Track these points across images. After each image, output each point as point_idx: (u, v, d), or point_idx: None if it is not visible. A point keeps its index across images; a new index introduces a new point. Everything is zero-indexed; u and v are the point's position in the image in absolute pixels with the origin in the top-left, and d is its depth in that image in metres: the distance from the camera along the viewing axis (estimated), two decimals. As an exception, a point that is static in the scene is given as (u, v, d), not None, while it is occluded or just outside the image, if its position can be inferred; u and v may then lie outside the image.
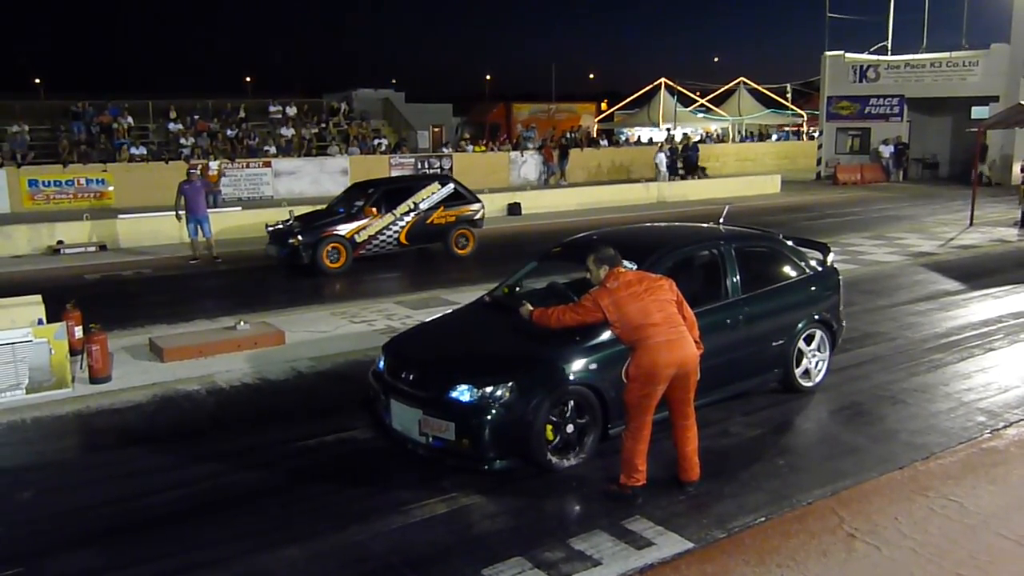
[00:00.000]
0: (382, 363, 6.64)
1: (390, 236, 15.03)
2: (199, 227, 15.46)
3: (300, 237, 14.12)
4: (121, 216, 18.50)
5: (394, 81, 51.89)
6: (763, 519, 5.27)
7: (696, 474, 5.65)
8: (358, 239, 14.59)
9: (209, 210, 16.09)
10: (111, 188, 24.56)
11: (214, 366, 8.73)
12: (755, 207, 24.19)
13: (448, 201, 15.78)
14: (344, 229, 14.49)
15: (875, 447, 6.42)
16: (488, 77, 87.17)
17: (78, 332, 8.76)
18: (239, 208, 20.89)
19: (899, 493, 5.63)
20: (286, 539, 5.15)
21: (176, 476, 6.15)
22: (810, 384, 7.58)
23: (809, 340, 7.53)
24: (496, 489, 5.70)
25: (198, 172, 16.48)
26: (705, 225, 8.12)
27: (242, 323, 9.66)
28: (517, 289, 7.50)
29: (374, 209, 14.79)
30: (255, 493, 5.87)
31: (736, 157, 39.41)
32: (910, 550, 4.87)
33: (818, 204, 25.33)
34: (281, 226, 14.93)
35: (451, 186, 16.11)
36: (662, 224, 9.88)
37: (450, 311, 7.89)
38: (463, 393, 5.81)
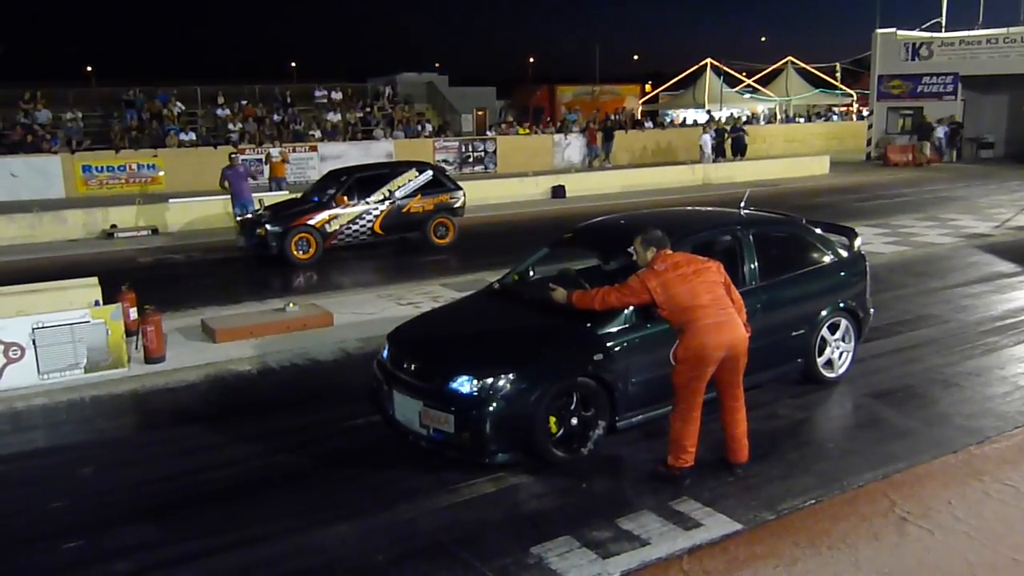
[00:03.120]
0: (386, 352, 6.47)
1: (363, 225, 14.55)
2: (244, 210, 15.72)
3: (267, 227, 13.83)
4: (172, 200, 18.86)
5: (437, 65, 52.16)
6: (813, 501, 5.23)
7: (745, 456, 5.63)
8: (329, 229, 14.15)
9: (271, 193, 16.26)
10: (162, 173, 25.04)
11: (264, 347, 8.88)
12: (803, 189, 23.85)
13: (426, 189, 15.22)
14: (314, 219, 14.08)
15: (928, 430, 6.31)
16: (531, 59, 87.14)
17: (133, 313, 8.97)
18: (286, 192, 21.12)
19: (953, 477, 5.53)
20: (337, 516, 5.24)
21: (228, 454, 6.29)
22: (833, 375, 7.25)
23: (833, 329, 7.20)
24: (543, 469, 5.72)
25: (239, 158, 16.71)
26: (724, 210, 7.81)
27: (291, 305, 9.82)
28: (531, 274, 7.36)
29: (345, 197, 14.36)
30: (306, 471, 5.98)
31: (784, 138, 38.76)
32: (964, 534, 4.80)
33: (868, 185, 24.81)
34: (251, 215, 14.72)
35: (429, 173, 15.56)
36: (680, 209, 9.69)
37: (458, 299, 7.75)
38: (463, 384, 5.64)
